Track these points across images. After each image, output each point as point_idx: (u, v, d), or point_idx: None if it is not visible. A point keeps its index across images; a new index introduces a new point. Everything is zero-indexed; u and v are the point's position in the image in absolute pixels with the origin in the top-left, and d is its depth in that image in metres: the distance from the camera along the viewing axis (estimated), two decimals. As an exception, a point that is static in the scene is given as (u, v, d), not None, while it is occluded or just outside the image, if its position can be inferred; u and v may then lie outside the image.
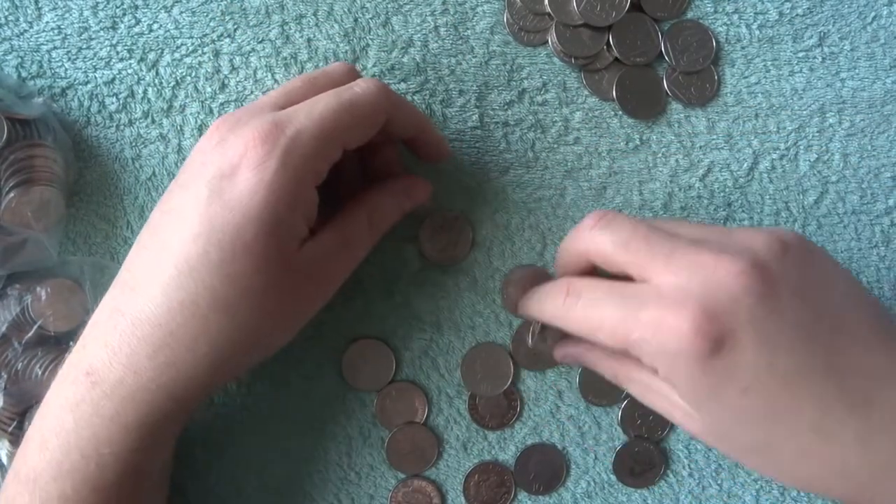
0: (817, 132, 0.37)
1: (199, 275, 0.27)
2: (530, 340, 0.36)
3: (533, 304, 0.32)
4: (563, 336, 0.34)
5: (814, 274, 0.27)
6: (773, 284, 0.26)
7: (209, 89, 0.36)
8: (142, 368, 0.27)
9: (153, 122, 0.36)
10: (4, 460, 0.34)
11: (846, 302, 0.27)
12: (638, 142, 0.37)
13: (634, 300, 0.27)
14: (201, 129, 0.36)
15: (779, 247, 0.27)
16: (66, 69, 0.36)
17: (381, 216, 0.33)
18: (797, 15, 0.37)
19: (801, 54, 0.37)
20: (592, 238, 0.29)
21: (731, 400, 0.26)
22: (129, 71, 0.36)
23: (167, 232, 0.28)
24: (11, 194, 0.33)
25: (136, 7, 0.36)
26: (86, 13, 0.36)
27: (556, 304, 0.30)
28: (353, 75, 0.32)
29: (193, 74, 0.36)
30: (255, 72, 0.36)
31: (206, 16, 0.36)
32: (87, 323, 0.29)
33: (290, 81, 0.32)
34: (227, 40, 0.36)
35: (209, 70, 0.36)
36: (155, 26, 0.36)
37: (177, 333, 0.27)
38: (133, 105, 0.36)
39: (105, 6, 0.36)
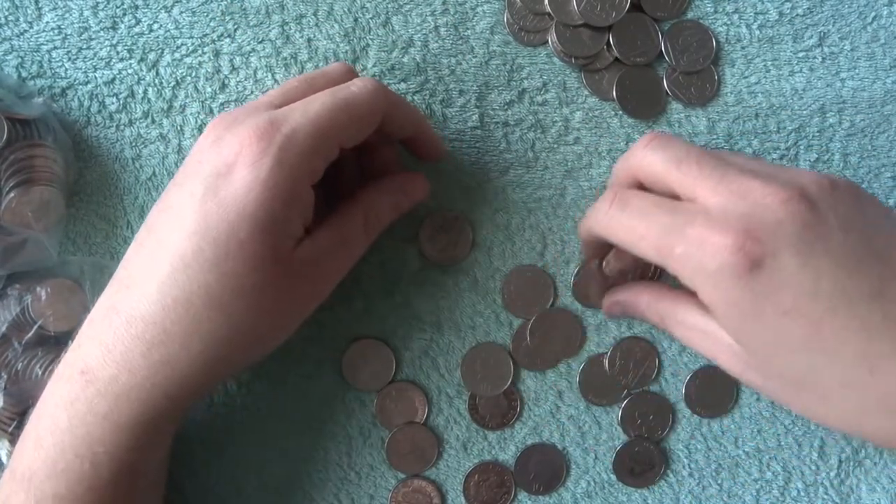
0: (817, 132, 0.37)
1: (194, 272, 0.27)
2: (597, 275, 0.36)
3: (584, 220, 0.33)
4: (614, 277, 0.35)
5: (862, 209, 0.27)
6: (819, 213, 0.26)
7: (209, 89, 0.36)
8: (136, 366, 0.27)
9: (153, 122, 0.36)
10: (4, 460, 0.34)
11: (895, 237, 0.27)
12: (638, 142, 0.37)
13: (681, 215, 0.27)
14: (201, 129, 0.36)
15: (828, 183, 0.27)
16: (67, 69, 0.36)
17: (378, 215, 0.33)
18: (797, 15, 0.37)
19: (801, 54, 0.37)
20: (645, 156, 0.29)
21: (771, 321, 0.26)
22: (130, 71, 0.36)
23: (163, 230, 0.28)
24: (11, 194, 0.33)
25: (137, 7, 0.36)
26: (86, 13, 0.36)
27: (603, 212, 0.30)
28: (351, 75, 0.32)
29: (193, 74, 0.36)
30: (255, 72, 0.36)
31: (207, 16, 0.36)
32: (84, 321, 0.29)
33: (288, 82, 0.32)
34: (228, 40, 0.36)
35: (209, 70, 0.36)
36: (155, 26, 0.36)
37: (171, 331, 0.27)
38: (133, 105, 0.36)
39: (105, 6, 0.36)
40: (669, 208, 0.28)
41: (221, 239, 0.27)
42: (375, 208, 0.32)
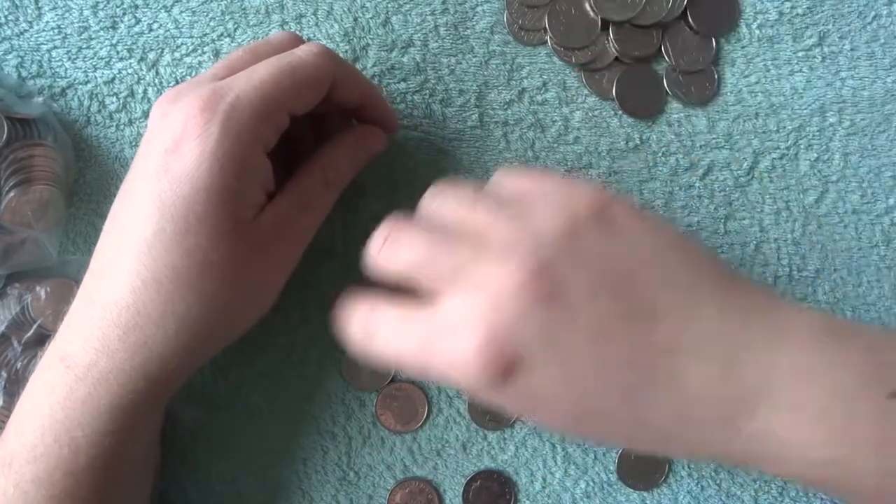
0: (817, 131, 0.37)
1: (158, 252, 0.27)
2: None
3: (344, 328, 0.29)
4: None
5: (614, 235, 0.25)
6: (559, 293, 0.24)
7: (209, 89, 0.36)
8: (113, 350, 0.27)
9: (153, 121, 0.36)
10: (4, 460, 0.34)
11: (653, 267, 0.25)
12: (638, 141, 0.37)
13: (426, 327, 0.25)
14: (201, 129, 0.36)
15: (570, 228, 0.25)
16: (67, 69, 0.36)
17: (336, 172, 0.32)
18: (797, 14, 0.37)
19: (801, 54, 0.37)
20: (377, 265, 0.27)
21: (540, 413, 0.26)
22: (130, 70, 0.36)
23: (123, 215, 0.28)
24: (11, 194, 0.33)
25: (137, 7, 0.36)
26: (86, 13, 0.36)
27: (360, 339, 0.27)
28: (298, 42, 0.31)
29: (193, 74, 0.36)
30: (254, 71, 0.36)
31: (207, 15, 0.36)
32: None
33: (233, 53, 0.31)
34: (227, 40, 0.36)
35: (209, 70, 0.36)
36: (155, 26, 0.36)
37: (144, 312, 0.27)
38: (133, 105, 0.36)
39: (105, 6, 0.36)
40: (414, 321, 0.25)
41: (179, 216, 0.27)
42: (334, 166, 0.32)
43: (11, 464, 0.28)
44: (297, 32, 0.36)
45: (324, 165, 0.32)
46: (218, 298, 0.28)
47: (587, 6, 0.36)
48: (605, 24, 0.36)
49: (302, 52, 0.29)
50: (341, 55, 0.36)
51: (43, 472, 0.27)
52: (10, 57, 0.35)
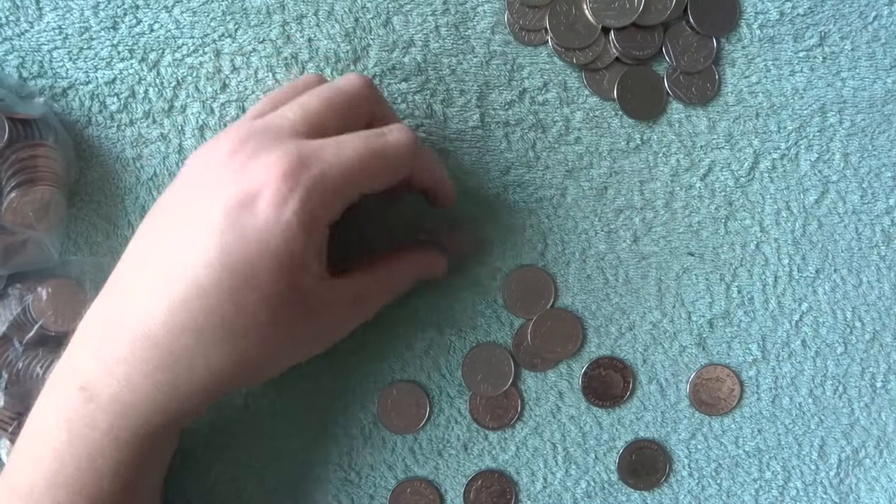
0: (818, 132, 0.37)
1: (209, 300, 0.26)
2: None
3: None
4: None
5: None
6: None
7: (210, 89, 0.36)
8: (138, 386, 0.27)
9: (154, 122, 0.36)
10: (4, 459, 0.34)
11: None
12: (639, 141, 0.37)
13: None
14: (202, 129, 0.36)
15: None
16: (67, 69, 0.36)
17: (399, 284, 0.33)
18: (798, 14, 0.37)
19: (801, 54, 0.37)
20: None
21: None
22: (130, 71, 0.36)
23: (175, 249, 0.27)
24: (13, 194, 0.33)
25: (137, 7, 0.36)
26: (87, 13, 0.36)
27: None
28: (372, 91, 0.31)
29: (194, 74, 0.36)
30: (255, 72, 0.36)
31: (207, 16, 0.36)
32: (76, 329, 0.29)
33: (308, 99, 0.30)
34: (228, 40, 0.36)
35: (210, 70, 0.36)
36: (156, 26, 0.36)
37: (177, 356, 0.27)
38: (134, 105, 0.36)
39: (106, 6, 0.36)
40: None
41: (241, 272, 0.26)
42: (398, 277, 0.33)
43: (31, 492, 0.27)
44: (298, 33, 0.36)
45: (389, 274, 0.32)
46: (251, 355, 0.28)
47: (587, 12, 0.36)
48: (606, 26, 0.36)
49: (392, 137, 0.29)
50: (342, 55, 0.36)
51: (66, 499, 0.27)
52: (11, 57, 0.35)
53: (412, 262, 0.34)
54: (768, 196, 0.37)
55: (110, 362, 0.27)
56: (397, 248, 0.35)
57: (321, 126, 0.29)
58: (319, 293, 0.29)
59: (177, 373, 0.27)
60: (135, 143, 0.36)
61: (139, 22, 0.36)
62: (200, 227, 0.27)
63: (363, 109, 0.30)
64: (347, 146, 0.28)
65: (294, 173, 0.27)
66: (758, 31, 0.37)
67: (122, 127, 0.36)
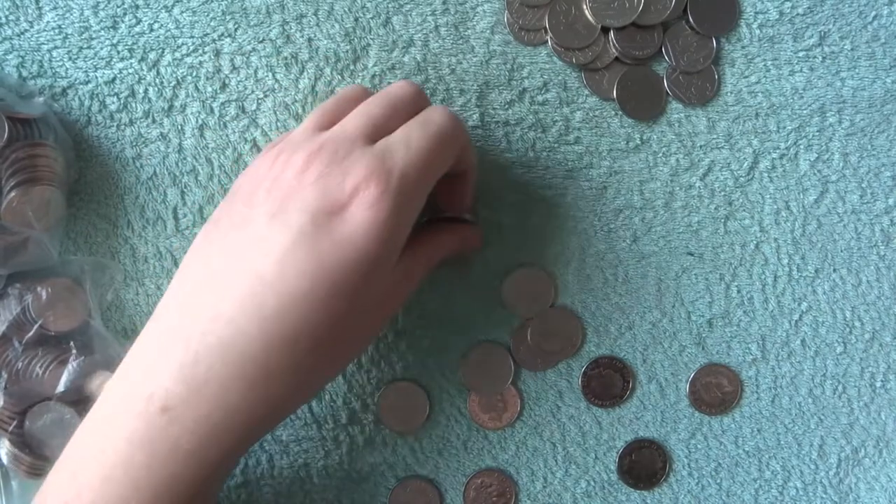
0: (817, 131, 0.37)
1: (304, 312, 0.26)
2: None
3: None
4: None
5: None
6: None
7: (210, 89, 0.36)
8: (233, 406, 0.26)
9: (154, 121, 0.36)
10: (4, 460, 0.34)
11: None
12: (638, 141, 0.37)
13: None
14: (202, 129, 0.36)
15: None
16: (67, 69, 0.36)
17: (438, 255, 0.33)
18: (797, 14, 0.37)
19: (801, 54, 0.37)
20: None
21: None
22: (130, 70, 0.36)
23: (259, 261, 0.26)
24: (12, 194, 0.33)
25: (137, 7, 0.36)
26: (86, 13, 0.36)
27: None
28: (422, 94, 0.32)
29: (194, 74, 0.36)
30: (255, 71, 0.36)
31: (207, 15, 0.36)
32: (138, 344, 0.28)
33: (370, 109, 0.30)
34: (228, 40, 0.36)
35: (210, 70, 0.36)
36: (156, 26, 0.36)
37: (273, 370, 0.26)
38: (134, 104, 0.36)
39: (106, 6, 0.36)
40: None
41: (336, 280, 0.26)
42: (439, 249, 0.33)
43: None
44: (298, 32, 0.36)
45: (435, 248, 0.33)
46: (335, 360, 0.28)
47: (586, 12, 0.36)
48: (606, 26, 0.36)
49: (438, 117, 0.30)
50: (342, 55, 0.36)
51: None
52: (10, 57, 0.35)
53: (453, 235, 0.34)
54: (768, 196, 0.37)
55: (198, 382, 0.26)
56: (432, 222, 0.35)
57: (387, 130, 0.29)
58: (388, 282, 0.29)
59: (273, 389, 0.26)
60: (135, 143, 0.36)
61: (139, 21, 0.36)
62: (287, 237, 0.26)
63: (417, 111, 0.31)
64: (413, 139, 0.29)
65: (382, 178, 0.27)
66: (757, 31, 0.37)
67: (122, 126, 0.36)
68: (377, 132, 0.29)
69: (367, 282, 0.27)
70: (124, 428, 0.26)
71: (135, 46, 0.36)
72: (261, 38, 0.36)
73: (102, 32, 0.36)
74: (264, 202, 0.28)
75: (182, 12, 0.36)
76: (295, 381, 0.27)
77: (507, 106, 0.37)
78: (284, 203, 0.27)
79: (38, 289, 0.34)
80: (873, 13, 0.37)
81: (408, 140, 0.29)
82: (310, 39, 0.36)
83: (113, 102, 0.36)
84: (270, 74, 0.36)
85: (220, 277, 0.27)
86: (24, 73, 0.35)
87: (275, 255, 0.26)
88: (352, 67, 0.36)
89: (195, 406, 0.26)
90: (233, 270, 0.27)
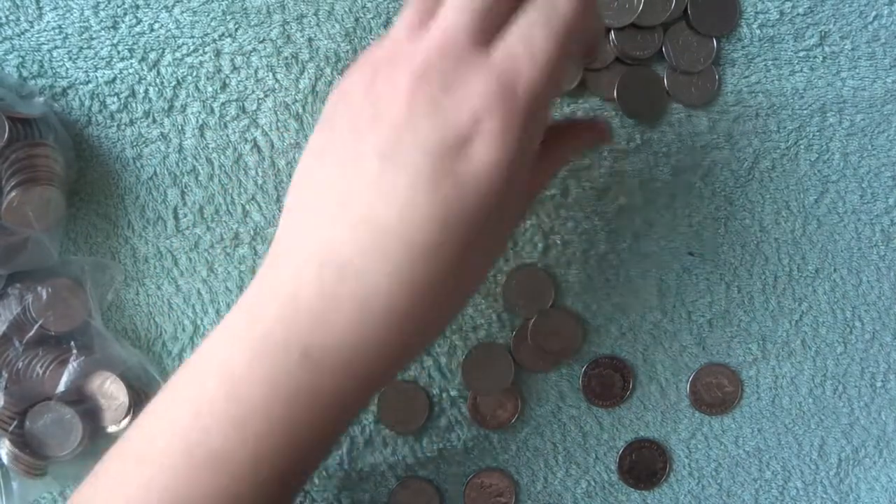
0: (818, 131, 0.37)
1: (436, 261, 0.24)
2: None
3: None
4: None
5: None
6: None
7: (210, 89, 0.36)
8: (372, 350, 0.25)
9: (154, 121, 0.36)
10: (4, 460, 0.34)
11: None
12: (639, 141, 0.37)
13: None
14: (202, 129, 0.36)
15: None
16: (67, 69, 0.36)
17: (562, 164, 0.31)
18: (798, 14, 0.37)
19: (801, 54, 0.37)
20: None
21: None
22: (131, 70, 0.36)
23: (378, 207, 0.24)
24: (13, 194, 0.33)
25: (138, 7, 0.36)
26: (87, 13, 0.36)
27: None
28: None
29: (195, 74, 0.36)
30: (256, 71, 0.36)
31: (208, 15, 0.36)
32: (259, 285, 0.26)
33: None
34: (229, 40, 0.36)
35: (210, 70, 0.36)
36: (156, 26, 0.36)
37: (415, 318, 0.24)
38: (134, 104, 0.36)
39: (106, 6, 0.36)
40: None
41: (464, 224, 0.24)
42: (563, 159, 0.31)
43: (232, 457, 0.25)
44: (298, 32, 0.36)
45: (559, 159, 0.30)
46: (468, 284, 0.26)
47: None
48: (606, 26, 0.36)
49: (566, 5, 0.24)
50: (342, 55, 0.36)
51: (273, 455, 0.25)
52: (10, 57, 0.35)
53: (577, 139, 0.31)
54: (768, 195, 0.37)
55: (336, 331, 0.24)
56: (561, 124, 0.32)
57: (500, 17, 0.24)
58: (513, 207, 0.26)
59: (412, 338, 0.25)
60: (135, 143, 0.36)
61: (139, 21, 0.36)
62: (403, 180, 0.23)
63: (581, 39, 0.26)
64: (537, 41, 0.24)
65: (502, 100, 0.23)
66: (758, 31, 0.37)
67: (122, 126, 0.36)
68: (489, 24, 0.24)
69: (493, 220, 0.25)
70: (259, 372, 0.25)
71: (135, 46, 0.36)
72: (261, 38, 0.36)
73: (103, 32, 0.36)
74: (370, 134, 0.24)
75: (182, 12, 0.36)
76: (436, 333, 0.27)
77: (507, 106, 0.37)
78: (395, 139, 0.24)
79: (39, 289, 0.34)
80: (874, 13, 0.37)
81: (530, 44, 0.24)
82: (310, 39, 0.36)
83: (113, 102, 0.36)
84: (271, 74, 0.36)
85: (332, 218, 0.25)
86: (25, 73, 0.35)
87: (395, 202, 0.24)
88: (352, 67, 0.36)
89: (336, 354, 0.24)
90: (346, 214, 0.24)
